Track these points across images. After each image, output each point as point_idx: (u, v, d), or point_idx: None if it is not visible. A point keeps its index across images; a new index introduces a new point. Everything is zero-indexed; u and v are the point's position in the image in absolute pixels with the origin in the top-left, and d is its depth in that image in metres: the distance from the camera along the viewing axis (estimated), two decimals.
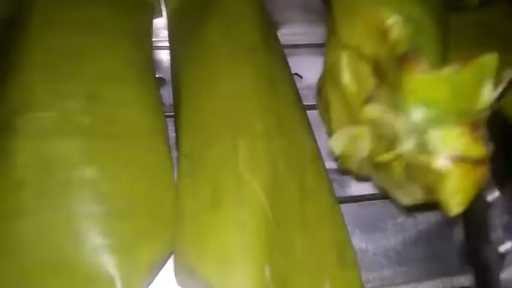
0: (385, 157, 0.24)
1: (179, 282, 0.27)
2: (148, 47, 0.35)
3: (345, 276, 0.26)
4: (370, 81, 0.25)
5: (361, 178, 0.34)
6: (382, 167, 0.25)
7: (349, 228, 0.34)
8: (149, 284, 0.26)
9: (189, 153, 0.27)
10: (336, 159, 0.29)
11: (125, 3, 0.35)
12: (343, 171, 0.31)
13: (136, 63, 0.31)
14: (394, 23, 0.23)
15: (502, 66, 0.32)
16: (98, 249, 0.24)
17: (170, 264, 0.27)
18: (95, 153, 0.26)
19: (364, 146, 0.26)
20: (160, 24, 0.42)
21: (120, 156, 0.26)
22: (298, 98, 0.32)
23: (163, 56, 0.41)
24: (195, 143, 0.28)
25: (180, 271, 0.26)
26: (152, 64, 0.34)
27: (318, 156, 0.29)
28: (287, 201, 0.26)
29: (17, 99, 0.27)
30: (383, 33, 0.24)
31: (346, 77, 0.27)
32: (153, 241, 0.25)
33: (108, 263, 0.23)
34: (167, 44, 0.39)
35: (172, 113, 0.33)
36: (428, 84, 0.22)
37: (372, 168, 0.27)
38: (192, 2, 0.37)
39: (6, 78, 0.28)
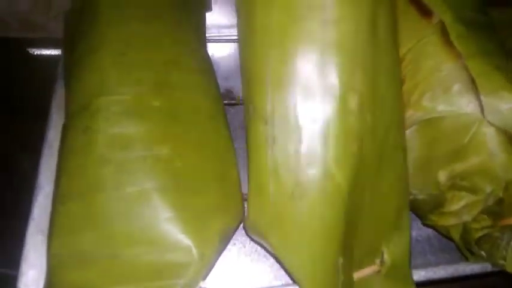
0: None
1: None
2: (204, 40, 0.37)
3: (398, 242, 0.29)
4: None
5: None
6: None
7: None
8: (220, 253, 0.28)
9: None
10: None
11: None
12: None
13: (197, 53, 0.33)
14: None
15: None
16: (174, 220, 0.26)
17: None
18: (167, 133, 0.28)
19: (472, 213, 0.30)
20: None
21: (189, 138, 0.28)
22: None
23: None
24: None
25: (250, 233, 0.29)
26: (209, 55, 0.36)
27: (400, 124, 0.30)
28: (365, 176, 0.27)
29: (93, 83, 0.29)
30: None
31: None
32: (222, 215, 0.27)
33: (184, 233, 0.25)
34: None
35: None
36: None
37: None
38: None
39: (81, 61, 0.30)
